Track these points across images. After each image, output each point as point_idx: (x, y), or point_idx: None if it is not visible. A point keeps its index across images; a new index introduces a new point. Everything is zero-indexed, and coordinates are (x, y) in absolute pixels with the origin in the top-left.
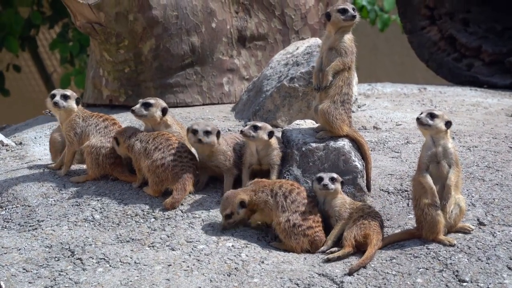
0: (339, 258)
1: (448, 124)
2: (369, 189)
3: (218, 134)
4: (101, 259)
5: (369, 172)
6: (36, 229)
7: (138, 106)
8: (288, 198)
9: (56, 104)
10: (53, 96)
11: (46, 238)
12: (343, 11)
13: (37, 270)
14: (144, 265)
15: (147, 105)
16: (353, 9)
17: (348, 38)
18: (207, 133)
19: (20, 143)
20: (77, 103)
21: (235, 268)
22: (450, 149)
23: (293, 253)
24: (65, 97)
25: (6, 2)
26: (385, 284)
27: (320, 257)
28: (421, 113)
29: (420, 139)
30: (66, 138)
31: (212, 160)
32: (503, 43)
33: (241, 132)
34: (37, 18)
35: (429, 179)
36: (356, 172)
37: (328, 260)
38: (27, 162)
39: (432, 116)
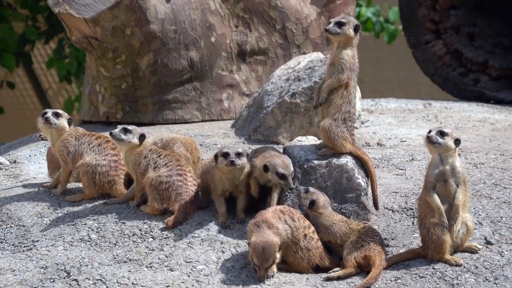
0: (339, 278)
1: (457, 142)
2: (376, 207)
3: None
4: (97, 280)
5: (375, 190)
6: (30, 249)
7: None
8: (294, 217)
9: (47, 120)
10: (45, 113)
11: (41, 259)
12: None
13: None
14: (142, 286)
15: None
16: (339, 23)
17: (347, 53)
18: (239, 154)
19: (14, 161)
20: (69, 124)
21: None
22: (458, 167)
23: (295, 273)
24: (56, 115)
25: (0, 17)
26: None
27: (323, 276)
28: (430, 131)
29: (425, 156)
30: (59, 158)
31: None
32: (510, 57)
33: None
34: (32, 34)
35: (436, 199)
36: (360, 190)
37: (328, 279)
38: (21, 181)
39: (442, 134)
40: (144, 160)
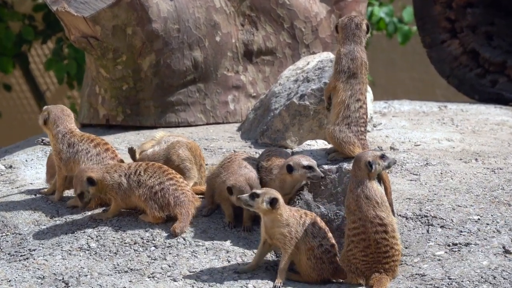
0: None
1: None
2: (393, 214)
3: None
4: None
5: (389, 197)
6: (27, 258)
7: None
8: (315, 224)
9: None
10: None
11: (38, 269)
12: None
13: None
14: None
15: None
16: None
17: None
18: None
19: (11, 167)
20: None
21: None
22: None
23: (305, 283)
24: None
25: None
26: None
27: None
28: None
29: (441, 160)
30: (55, 161)
31: None
32: None
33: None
34: (29, 34)
35: None
36: None
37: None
38: (17, 187)
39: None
40: (119, 187)
